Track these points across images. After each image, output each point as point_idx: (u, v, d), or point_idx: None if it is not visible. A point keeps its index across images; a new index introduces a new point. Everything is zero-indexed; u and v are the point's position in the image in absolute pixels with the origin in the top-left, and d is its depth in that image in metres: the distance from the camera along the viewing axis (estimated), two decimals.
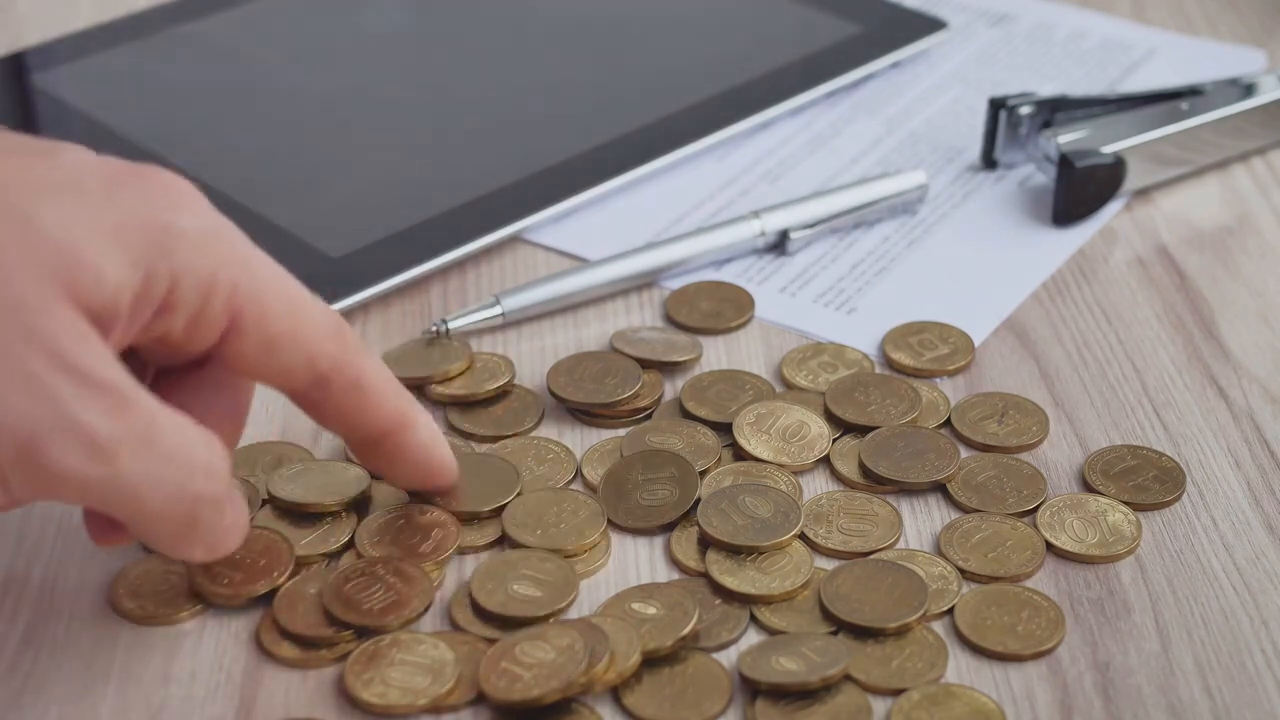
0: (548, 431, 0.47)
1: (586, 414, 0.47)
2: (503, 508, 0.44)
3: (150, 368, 0.40)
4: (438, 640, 0.40)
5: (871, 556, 0.42)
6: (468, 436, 0.47)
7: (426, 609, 0.41)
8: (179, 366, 0.40)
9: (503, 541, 0.43)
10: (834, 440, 0.46)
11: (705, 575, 0.42)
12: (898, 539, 0.43)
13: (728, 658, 0.40)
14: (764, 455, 0.45)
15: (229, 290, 0.37)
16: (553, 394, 0.48)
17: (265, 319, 0.37)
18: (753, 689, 0.39)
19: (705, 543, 0.43)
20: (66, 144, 0.37)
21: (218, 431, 0.38)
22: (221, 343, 0.37)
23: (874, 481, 0.45)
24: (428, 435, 0.41)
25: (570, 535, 0.43)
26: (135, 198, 0.36)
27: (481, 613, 0.40)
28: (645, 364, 0.49)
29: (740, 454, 0.46)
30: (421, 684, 0.39)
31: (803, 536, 0.43)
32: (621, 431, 0.47)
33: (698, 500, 0.44)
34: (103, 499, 0.35)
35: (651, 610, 0.40)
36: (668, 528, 0.44)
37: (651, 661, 0.39)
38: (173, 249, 0.36)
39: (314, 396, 0.39)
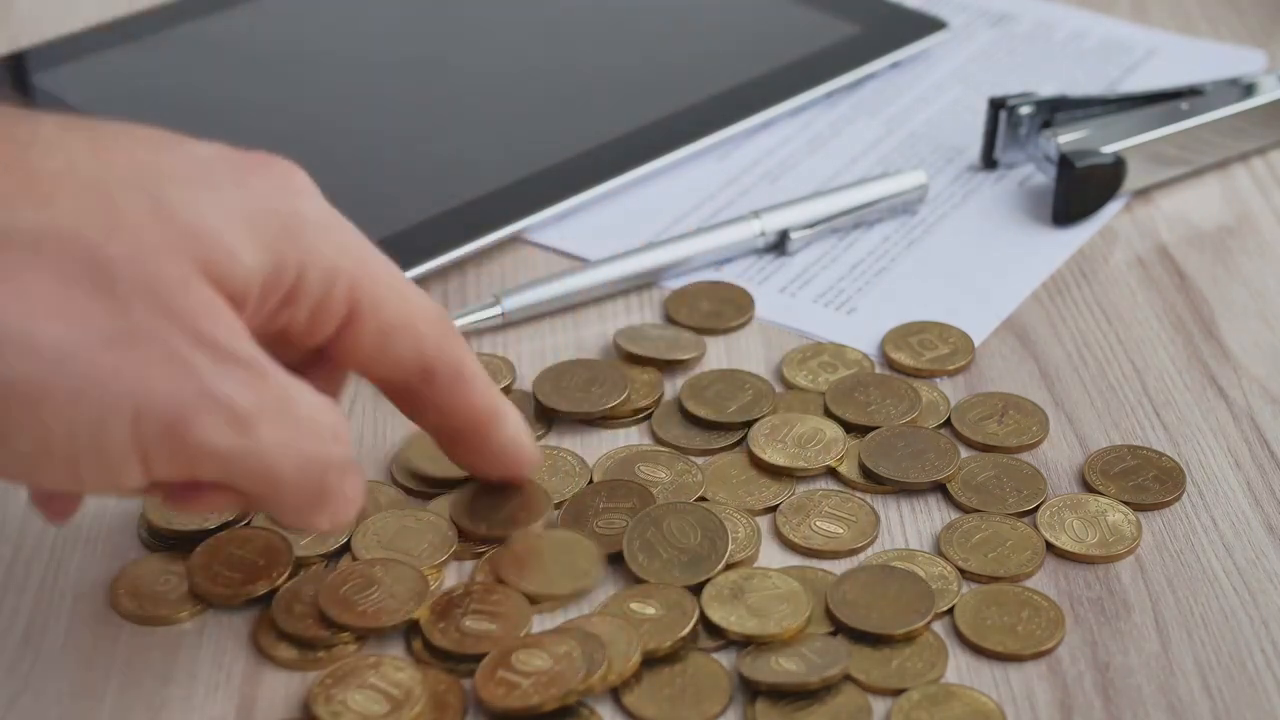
0: (555, 434, 0.47)
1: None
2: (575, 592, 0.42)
3: None
4: (417, 671, 0.39)
5: (876, 562, 0.42)
6: None
7: None
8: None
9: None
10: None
11: (702, 616, 0.41)
12: (867, 545, 0.43)
13: (728, 658, 0.40)
14: (780, 462, 0.45)
15: (349, 281, 0.38)
16: (538, 401, 0.47)
17: (379, 309, 0.38)
18: (753, 689, 0.39)
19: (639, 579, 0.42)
20: (187, 137, 0.37)
21: None
22: (338, 334, 0.38)
23: (874, 481, 0.45)
24: (515, 428, 0.42)
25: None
26: (263, 185, 0.37)
27: (436, 651, 0.40)
28: (648, 362, 0.49)
29: (755, 462, 0.45)
30: (378, 712, 0.38)
31: (778, 533, 0.43)
32: (632, 431, 0.47)
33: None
34: (241, 472, 0.35)
35: (651, 610, 0.40)
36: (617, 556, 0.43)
37: (651, 661, 0.39)
38: (300, 236, 0.37)
39: (416, 388, 0.40)
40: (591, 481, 0.45)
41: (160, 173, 0.35)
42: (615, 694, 0.39)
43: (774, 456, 0.45)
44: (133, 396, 0.33)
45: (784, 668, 0.39)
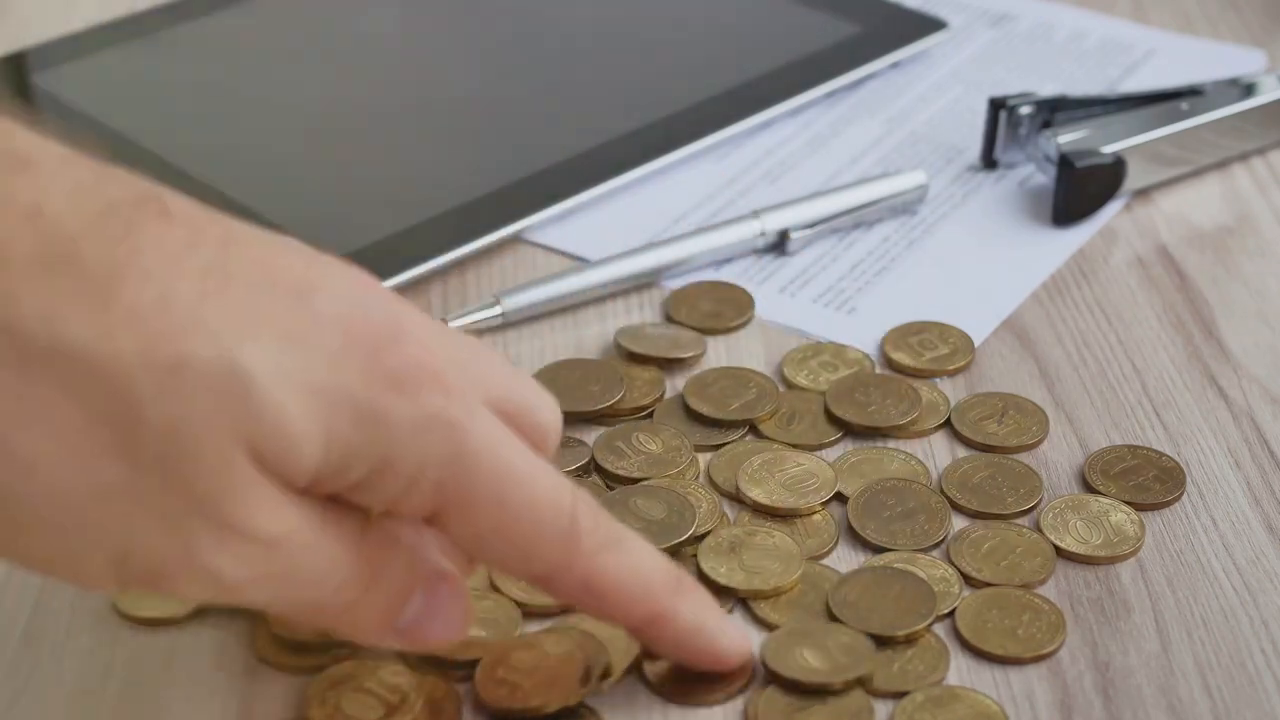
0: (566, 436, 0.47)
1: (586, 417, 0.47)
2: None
3: None
4: (413, 676, 0.39)
5: (877, 564, 0.42)
6: None
7: None
8: None
9: None
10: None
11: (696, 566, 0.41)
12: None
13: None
14: (763, 501, 0.44)
15: (433, 486, 0.34)
16: None
17: (473, 518, 0.35)
18: (767, 677, 0.39)
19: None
20: (337, 272, 0.34)
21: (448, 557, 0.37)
22: (428, 522, 0.35)
23: (859, 543, 0.44)
24: (689, 624, 0.38)
25: None
26: (366, 370, 0.33)
27: (427, 657, 0.39)
28: (649, 361, 0.49)
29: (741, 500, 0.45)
30: (373, 717, 0.38)
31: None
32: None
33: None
34: (223, 603, 0.34)
35: None
36: None
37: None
38: (381, 438, 0.33)
39: (543, 586, 0.37)
40: (593, 459, 0.45)
41: (262, 329, 0.32)
42: (638, 667, 0.39)
43: (760, 497, 0.44)
44: (116, 544, 0.32)
45: (809, 664, 0.39)
